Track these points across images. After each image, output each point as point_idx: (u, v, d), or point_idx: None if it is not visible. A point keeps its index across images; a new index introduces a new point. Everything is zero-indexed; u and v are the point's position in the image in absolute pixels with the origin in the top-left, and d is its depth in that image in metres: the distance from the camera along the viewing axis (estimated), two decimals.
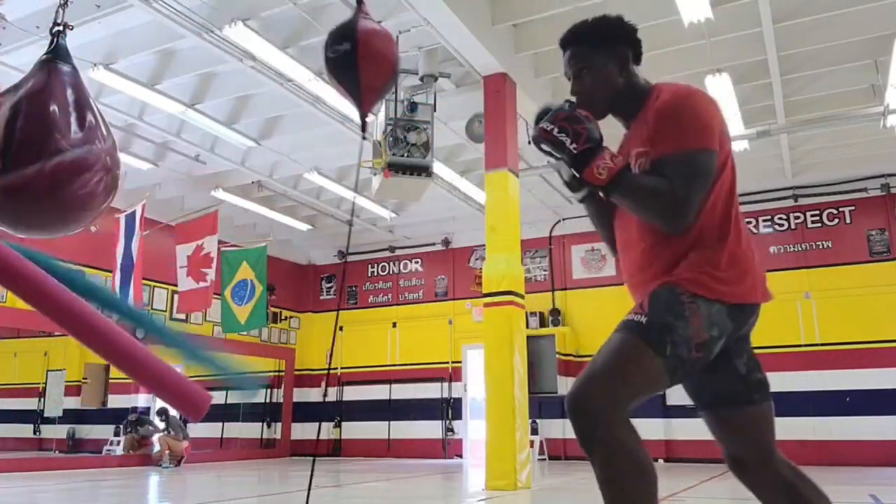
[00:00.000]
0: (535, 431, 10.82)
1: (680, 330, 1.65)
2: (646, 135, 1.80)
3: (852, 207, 10.38)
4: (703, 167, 1.73)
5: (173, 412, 11.92)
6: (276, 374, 13.85)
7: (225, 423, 13.77)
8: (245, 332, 12.05)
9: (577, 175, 1.76)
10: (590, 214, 2.06)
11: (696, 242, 1.75)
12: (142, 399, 13.82)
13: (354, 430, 13.24)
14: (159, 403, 13.09)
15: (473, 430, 12.24)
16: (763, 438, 1.87)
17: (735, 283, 1.74)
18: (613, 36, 1.93)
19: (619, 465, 1.57)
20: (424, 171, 6.63)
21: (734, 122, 8.06)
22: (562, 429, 11.29)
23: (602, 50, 1.92)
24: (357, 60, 1.70)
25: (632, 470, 1.57)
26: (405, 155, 6.54)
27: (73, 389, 13.55)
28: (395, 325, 13.37)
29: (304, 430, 13.64)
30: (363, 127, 1.84)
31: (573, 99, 1.92)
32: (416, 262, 13.55)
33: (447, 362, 12.62)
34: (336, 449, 13.30)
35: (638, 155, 1.81)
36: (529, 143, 1.66)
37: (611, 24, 1.95)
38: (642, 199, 1.72)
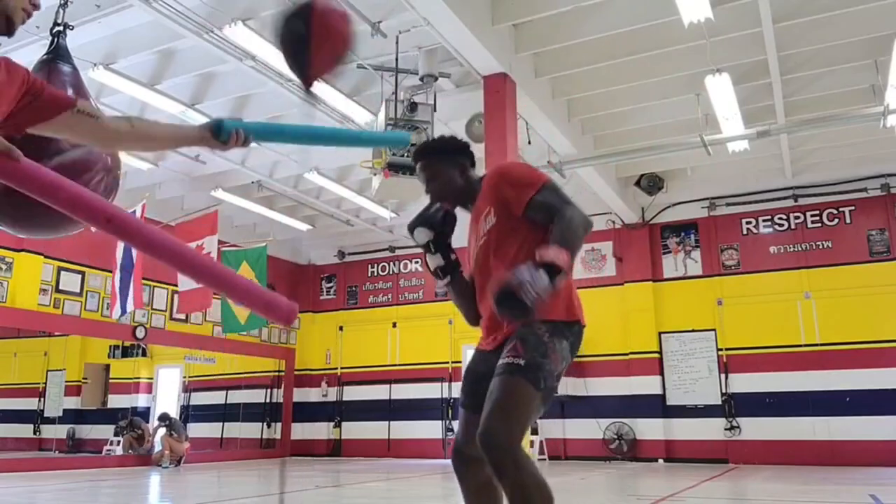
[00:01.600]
0: (535, 431, 10.82)
1: (547, 366, 2.07)
2: (485, 202, 2.31)
3: (852, 207, 10.38)
4: (557, 189, 2.21)
5: (174, 415, 11.95)
6: (276, 374, 13.85)
7: (225, 423, 13.77)
8: (245, 332, 12.05)
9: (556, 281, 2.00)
10: (453, 297, 2.47)
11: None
12: (142, 399, 13.83)
13: (354, 430, 13.24)
14: (160, 407, 13.11)
15: None
16: None
17: (577, 308, 2.22)
18: (453, 150, 2.47)
19: (529, 487, 1.92)
20: None
21: (734, 122, 8.05)
22: (562, 429, 11.29)
23: (445, 159, 2.45)
24: (310, 41, 1.82)
25: (538, 489, 1.93)
26: (405, 155, 6.54)
27: (73, 389, 13.53)
28: (395, 325, 13.37)
29: (304, 430, 13.65)
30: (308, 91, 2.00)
31: (439, 204, 2.42)
32: (416, 262, 13.54)
33: (447, 362, 12.62)
34: (336, 449, 13.31)
35: (485, 215, 2.30)
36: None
37: (451, 142, 2.51)
38: (576, 236, 2.08)
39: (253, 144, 7.32)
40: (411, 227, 2.39)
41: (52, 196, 1.35)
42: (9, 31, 1.61)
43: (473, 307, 2.44)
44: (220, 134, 1.78)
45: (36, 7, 1.64)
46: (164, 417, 11.09)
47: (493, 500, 2.25)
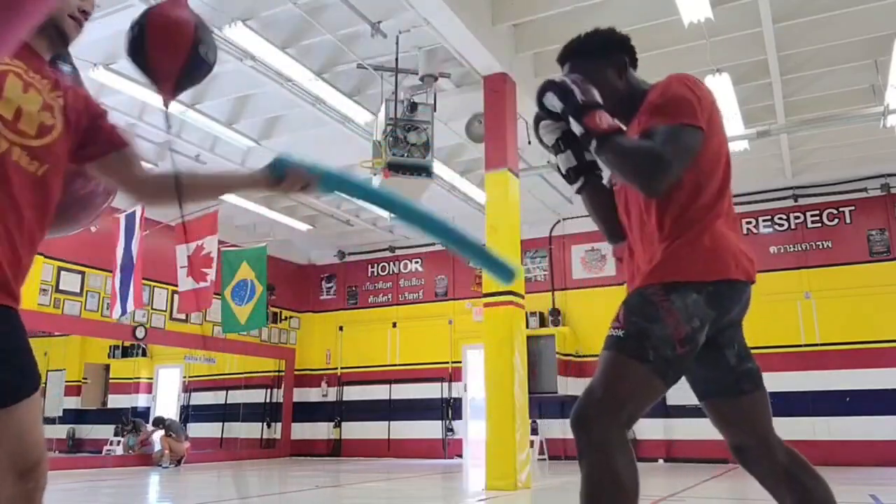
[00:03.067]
0: (535, 431, 10.82)
1: (657, 331, 1.69)
2: (640, 127, 1.85)
3: (852, 207, 10.38)
4: (687, 139, 1.76)
5: (172, 416, 11.95)
6: (276, 374, 13.85)
7: (225, 424, 13.77)
8: (245, 332, 12.05)
9: (578, 122, 1.81)
10: (587, 206, 2.10)
11: (684, 221, 1.79)
12: (142, 399, 13.84)
13: (354, 430, 13.24)
14: (158, 409, 13.11)
15: (473, 430, 12.23)
16: (758, 427, 1.93)
17: (711, 261, 1.76)
18: (607, 44, 2.07)
19: (602, 483, 1.63)
20: (424, 171, 6.63)
21: (734, 122, 8.05)
22: (561, 429, 11.28)
23: (599, 59, 2.03)
24: (146, 46, 1.71)
25: (613, 491, 1.62)
26: (405, 155, 6.54)
27: (73, 389, 13.55)
28: (395, 325, 13.37)
29: (304, 430, 13.64)
30: (165, 105, 1.86)
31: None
32: (416, 262, 13.55)
33: (447, 362, 12.62)
34: (336, 449, 13.30)
35: None
36: (535, 121, 1.76)
37: (604, 34, 2.10)
38: (629, 155, 1.76)
39: (252, 144, 7.28)
40: (536, 121, 2.00)
41: None
42: (64, 42, 1.55)
43: (611, 220, 2.05)
44: (274, 170, 1.65)
45: (86, 14, 1.56)
46: (158, 422, 11.06)
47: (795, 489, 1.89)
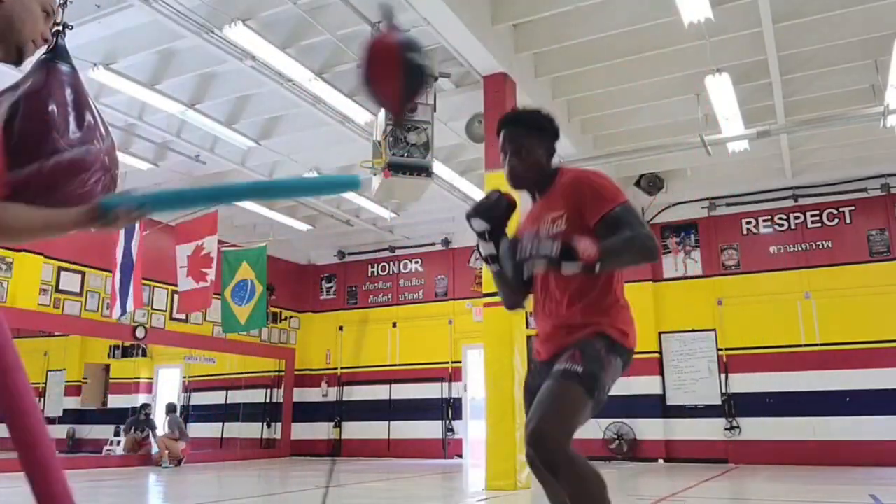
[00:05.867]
0: None
1: (601, 378, 2.13)
2: (560, 203, 2.23)
3: (852, 207, 10.38)
4: (637, 211, 2.16)
5: (174, 414, 11.95)
6: (276, 374, 13.85)
7: (225, 424, 13.77)
8: (245, 332, 12.05)
9: (571, 266, 1.98)
10: (498, 281, 2.43)
11: (612, 301, 2.23)
12: (141, 399, 13.84)
13: (354, 430, 13.24)
14: (158, 410, 13.11)
15: (473, 430, 12.23)
16: None
17: (632, 336, 2.26)
18: (547, 129, 2.38)
19: (587, 479, 2.02)
20: (424, 171, 6.63)
21: (734, 122, 8.06)
22: None
23: (539, 137, 2.35)
24: (368, 73, 2.11)
25: (596, 481, 2.03)
26: (405, 155, 6.54)
27: (73, 389, 13.55)
28: (395, 325, 13.37)
29: (304, 430, 13.64)
30: (397, 123, 2.22)
31: (500, 191, 2.33)
32: (416, 262, 13.55)
33: (447, 362, 12.61)
34: (336, 449, 13.30)
35: (553, 219, 2.23)
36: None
37: (547, 119, 2.39)
38: (627, 251, 2.08)
39: (252, 144, 7.32)
40: (469, 216, 2.35)
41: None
42: (19, 61, 1.59)
43: (513, 295, 2.45)
44: (105, 214, 1.60)
45: (46, 40, 1.62)
46: (171, 408, 11.17)
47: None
